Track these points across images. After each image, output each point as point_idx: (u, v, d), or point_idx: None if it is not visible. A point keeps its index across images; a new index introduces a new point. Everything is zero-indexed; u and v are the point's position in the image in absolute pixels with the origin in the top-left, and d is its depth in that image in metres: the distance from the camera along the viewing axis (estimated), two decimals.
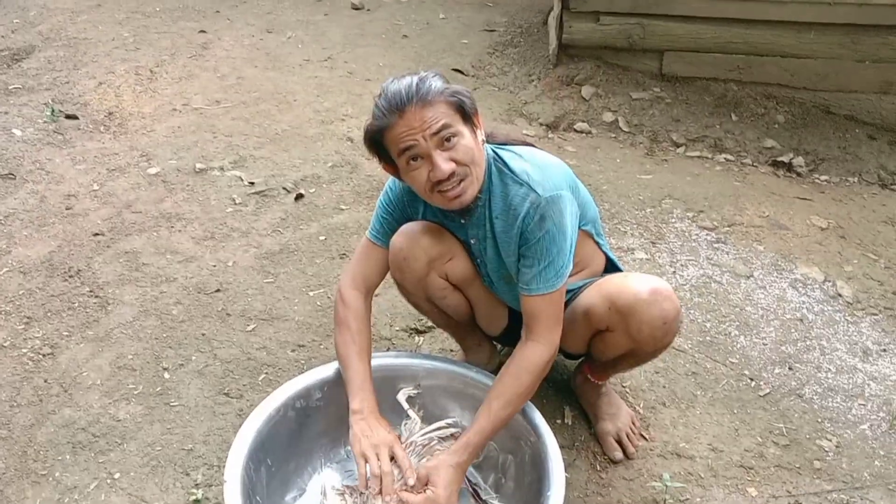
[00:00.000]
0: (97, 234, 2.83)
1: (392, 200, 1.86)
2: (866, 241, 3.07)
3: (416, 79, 1.62)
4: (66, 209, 2.99)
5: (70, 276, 2.61)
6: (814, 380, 2.34)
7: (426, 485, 1.64)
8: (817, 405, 2.25)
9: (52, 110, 3.66)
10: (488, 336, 2.13)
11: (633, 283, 1.75)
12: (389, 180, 1.87)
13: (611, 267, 1.99)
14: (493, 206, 1.75)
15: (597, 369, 2.00)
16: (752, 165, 3.68)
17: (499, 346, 2.23)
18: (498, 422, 1.68)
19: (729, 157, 3.72)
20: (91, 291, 2.54)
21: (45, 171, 3.24)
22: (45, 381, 2.18)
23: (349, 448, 1.93)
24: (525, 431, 1.81)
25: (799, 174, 3.63)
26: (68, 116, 3.68)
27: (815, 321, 2.61)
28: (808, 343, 2.50)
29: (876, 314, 2.65)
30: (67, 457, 1.96)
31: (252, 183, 3.20)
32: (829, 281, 2.80)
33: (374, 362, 1.91)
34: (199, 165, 3.30)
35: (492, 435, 1.70)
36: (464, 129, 1.65)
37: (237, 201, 3.08)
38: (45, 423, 2.05)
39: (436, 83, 1.63)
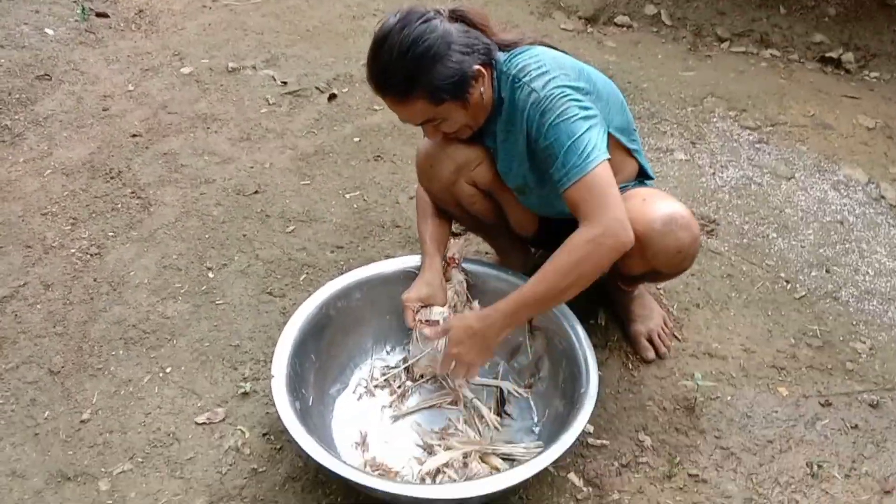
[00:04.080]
0: (135, 136, 2.86)
1: None
2: None
3: (389, 62, 1.54)
4: (103, 110, 3.01)
5: (112, 178, 2.65)
6: (851, 283, 2.34)
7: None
8: (853, 308, 2.25)
9: (83, 8, 3.62)
10: (521, 238, 2.14)
11: (649, 211, 1.68)
12: None
13: (643, 173, 1.95)
14: (502, 115, 1.72)
15: (625, 279, 2.01)
16: (799, 62, 3.55)
17: (533, 249, 2.25)
18: (528, 295, 1.61)
19: (775, 52, 3.58)
20: (133, 193, 2.59)
21: (80, 72, 3.24)
22: (95, 280, 2.26)
23: (389, 346, 2.02)
24: (559, 330, 1.85)
25: (848, 71, 3.50)
26: (99, 14, 3.64)
27: (856, 224, 2.57)
28: (847, 246, 2.48)
29: None
30: (120, 352, 2.05)
31: (285, 83, 3.18)
32: (873, 183, 2.74)
33: (408, 264, 1.97)
34: (231, 64, 3.27)
35: (522, 307, 1.63)
36: (450, 110, 1.63)
37: (271, 101, 3.07)
38: (97, 320, 2.14)
39: (406, 69, 1.54)
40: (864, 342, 2.14)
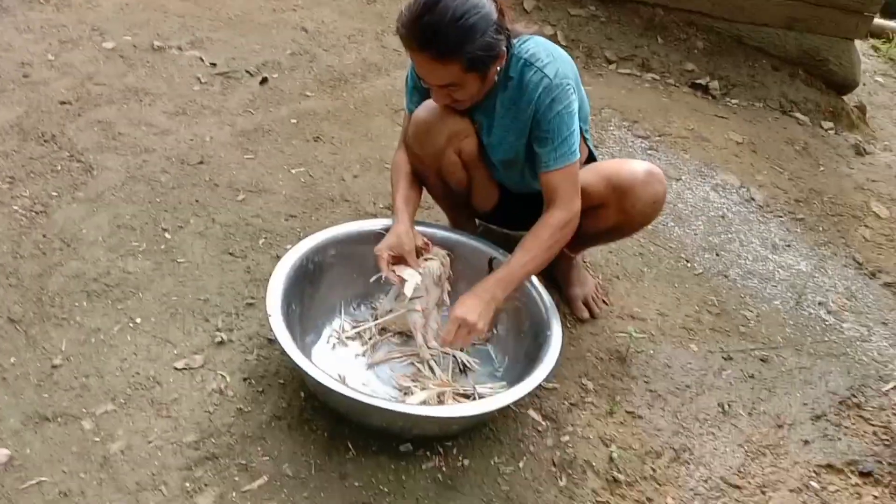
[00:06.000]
0: (64, 103, 2.80)
1: (416, 75, 1.99)
2: (773, 157, 3.51)
3: (441, 23, 1.67)
4: (24, 76, 2.91)
5: (45, 141, 2.59)
6: (736, 265, 2.75)
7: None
8: (740, 284, 2.65)
9: None
10: (475, 212, 2.35)
11: (631, 165, 2.00)
12: None
13: (591, 160, 2.22)
14: (506, 92, 1.92)
15: (575, 243, 2.22)
16: (675, 85, 4.04)
17: (478, 222, 2.46)
18: (519, 268, 1.88)
19: (655, 76, 4.06)
20: (71, 156, 2.54)
21: None
22: (44, 236, 2.22)
23: (355, 303, 2.15)
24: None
25: (713, 96, 4.02)
26: None
27: (734, 219, 3.01)
28: (729, 236, 2.90)
29: (781, 216, 3.09)
30: (84, 303, 2.04)
31: (214, 64, 3.22)
32: (744, 187, 3.21)
33: (369, 227, 2.13)
34: (156, 43, 3.27)
35: (514, 278, 1.89)
36: (471, 80, 1.81)
37: (202, 80, 3.10)
38: (53, 274, 2.11)
39: (456, 34, 1.68)
40: (752, 311, 2.54)
